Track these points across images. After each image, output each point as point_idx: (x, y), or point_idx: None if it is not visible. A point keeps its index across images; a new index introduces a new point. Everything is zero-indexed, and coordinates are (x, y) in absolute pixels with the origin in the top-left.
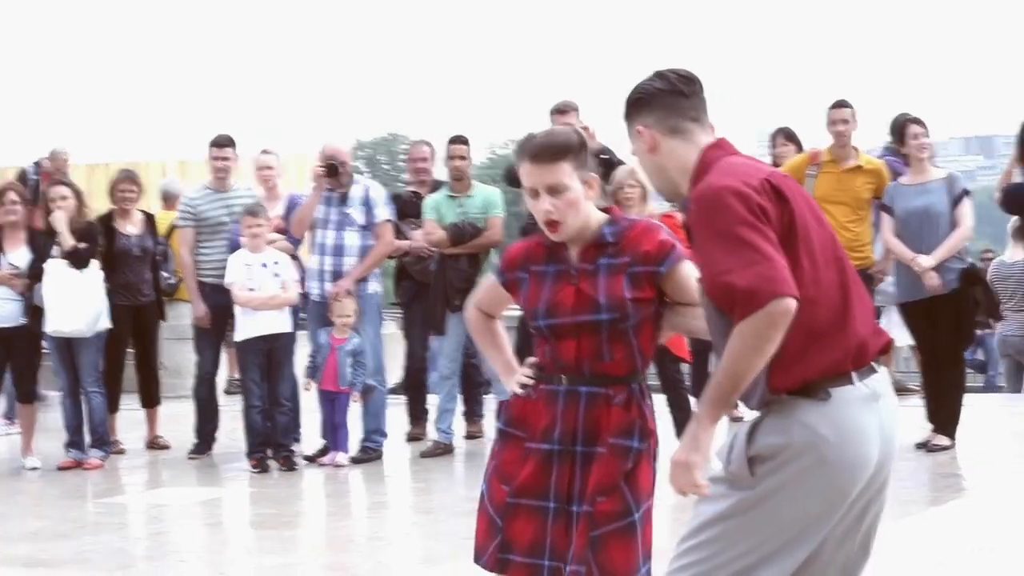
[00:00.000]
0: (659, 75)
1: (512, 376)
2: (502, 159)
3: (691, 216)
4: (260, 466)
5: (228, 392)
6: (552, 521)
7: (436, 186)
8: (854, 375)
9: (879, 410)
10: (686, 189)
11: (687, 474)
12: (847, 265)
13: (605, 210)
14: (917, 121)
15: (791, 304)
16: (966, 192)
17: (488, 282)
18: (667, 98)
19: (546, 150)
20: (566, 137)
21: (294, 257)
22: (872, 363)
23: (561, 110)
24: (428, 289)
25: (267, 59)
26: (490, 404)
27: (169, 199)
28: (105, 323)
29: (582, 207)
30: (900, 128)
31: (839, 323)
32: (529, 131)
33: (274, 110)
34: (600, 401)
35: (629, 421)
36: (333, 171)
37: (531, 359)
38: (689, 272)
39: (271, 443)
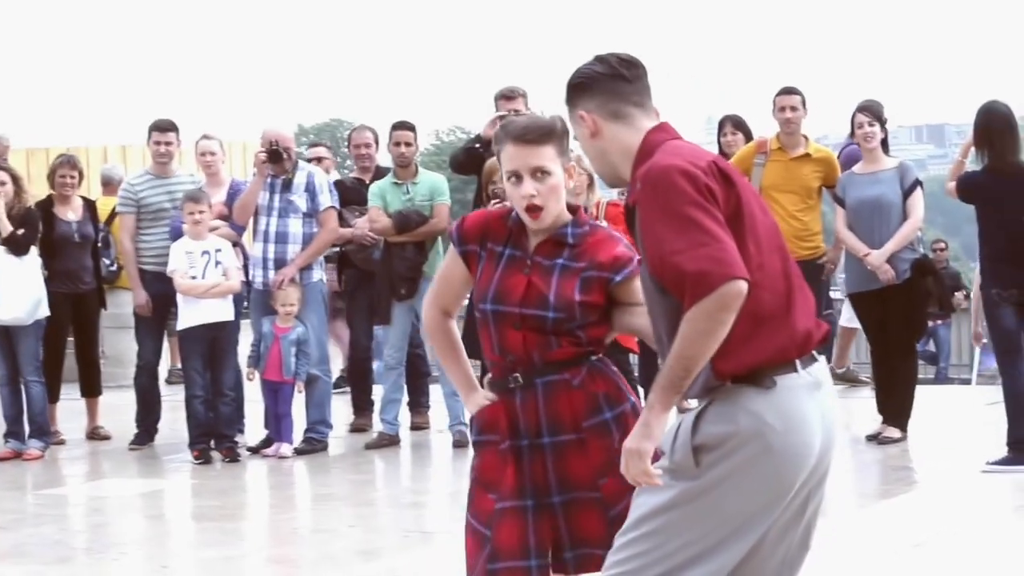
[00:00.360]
0: (600, 59)
1: (472, 395)
2: (447, 145)
3: (637, 195)
4: (202, 457)
5: (169, 382)
6: (533, 519)
7: (379, 172)
8: (798, 363)
9: (821, 399)
10: (628, 173)
11: (639, 462)
12: (788, 254)
13: (572, 209)
14: (862, 109)
15: (743, 286)
16: (918, 182)
17: (443, 269)
18: (608, 82)
19: (532, 131)
20: (551, 121)
21: (237, 244)
22: (813, 352)
23: (508, 96)
24: (371, 277)
25: (209, 43)
26: (435, 394)
27: (109, 185)
28: (44, 311)
29: (562, 195)
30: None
31: (783, 309)
32: (509, 116)
33: (216, 95)
34: (559, 387)
35: (592, 397)
36: (276, 157)
37: (488, 378)
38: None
39: (214, 434)
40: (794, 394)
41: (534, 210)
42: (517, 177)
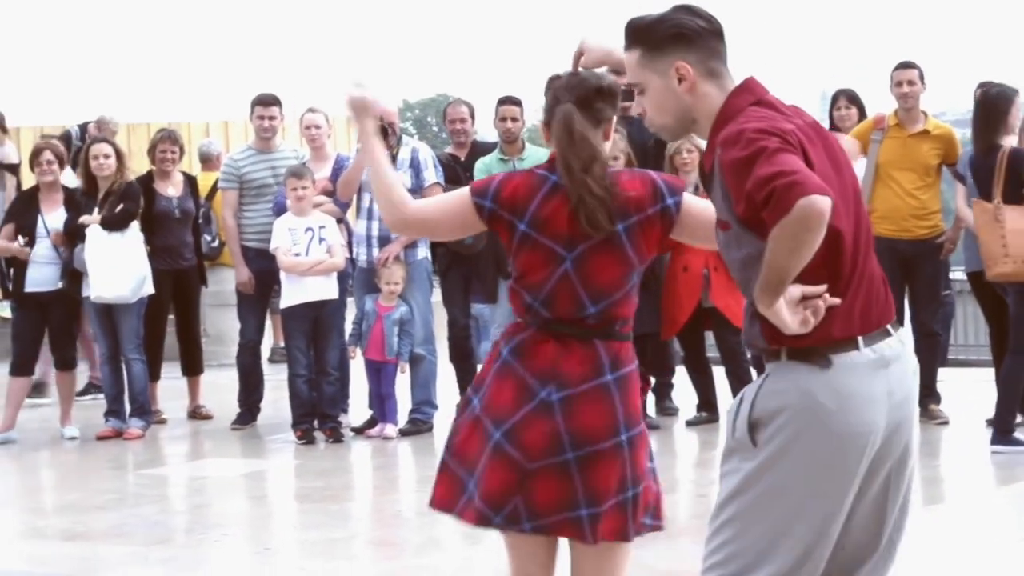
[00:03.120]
0: (693, 11)
1: None
2: None
3: (716, 157)
4: (305, 437)
5: (272, 361)
6: None
7: (475, 148)
8: (860, 340)
9: (888, 376)
10: (704, 132)
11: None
12: (865, 221)
13: None
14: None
15: (824, 203)
16: None
17: None
18: (709, 38)
19: None
20: None
21: (341, 221)
22: (887, 327)
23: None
24: (464, 257)
25: (312, 17)
26: None
27: (208, 160)
28: (149, 288)
29: None
30: None
31: (847, 284)
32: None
33: (320, 69)
34: None
35: None
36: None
37: None
38: None
39: (317, 414)
40: (853, 373)
41: None
42: None
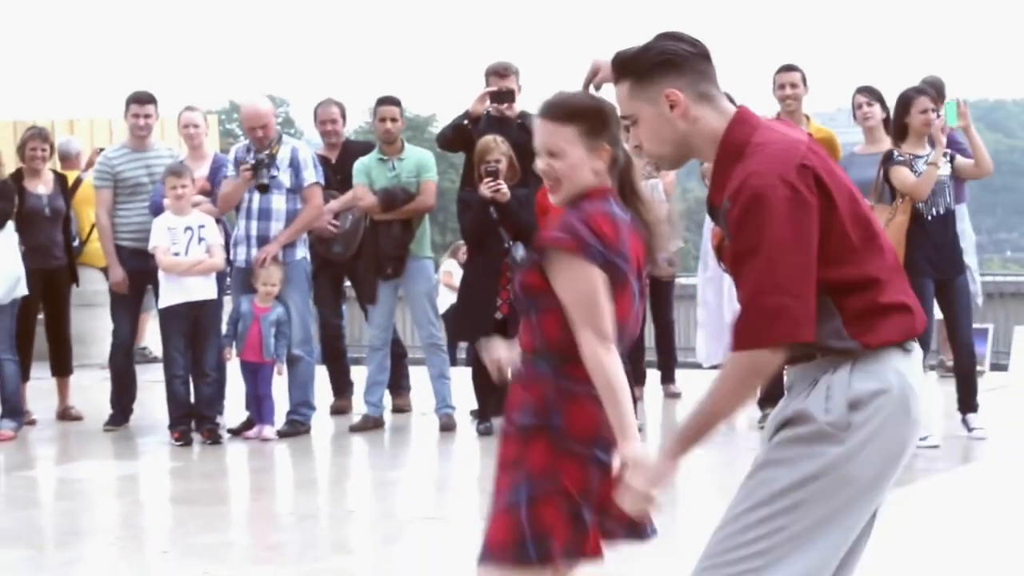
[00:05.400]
0: (677, 37)
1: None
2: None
3: (734, 212)
4: (183, 439)
5: (135, 362)
6: None
7: (346, 149)
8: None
9: None
10: (711, 157)
11: (645, 503)
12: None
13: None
14: (862, 90)
15: (778, 359)
16: None
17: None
18: (698, 62)
19: (555, 109)
20: (579, 101)
21: (219, 221)
22: None
23: (500, 73)
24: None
25: (184, 16)
26: (418, 375)
27: (67, 159)
28: (23, 289)
29: (581, 175)
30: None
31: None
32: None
33: (195, 69)
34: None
35: (524, 399)
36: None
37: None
38: (558, 273)
39: (194, 415)
40: (920, 364)
41: (551, 185)
42: (539, 152)
